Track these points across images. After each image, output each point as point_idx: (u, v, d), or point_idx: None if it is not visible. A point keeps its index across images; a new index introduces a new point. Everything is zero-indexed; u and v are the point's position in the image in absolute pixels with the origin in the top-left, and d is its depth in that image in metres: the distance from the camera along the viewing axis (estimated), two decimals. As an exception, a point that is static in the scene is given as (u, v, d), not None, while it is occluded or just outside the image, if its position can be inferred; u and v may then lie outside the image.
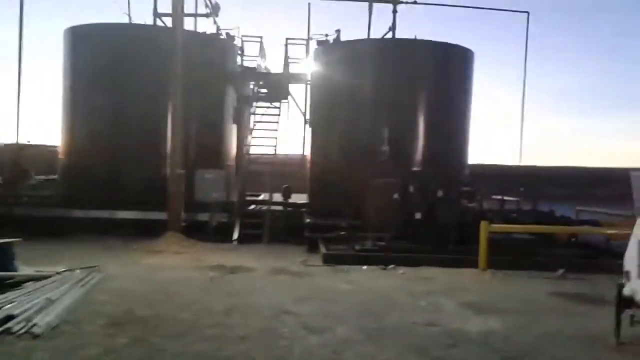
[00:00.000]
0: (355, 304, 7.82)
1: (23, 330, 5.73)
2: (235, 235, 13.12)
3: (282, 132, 17.68)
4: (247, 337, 6.08)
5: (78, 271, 8.90)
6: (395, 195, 12.04)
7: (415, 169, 13.69)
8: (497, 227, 11.05)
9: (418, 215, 11.99)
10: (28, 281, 7.82)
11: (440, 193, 12.17)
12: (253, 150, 16.51)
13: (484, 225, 10.76)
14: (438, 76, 15.26)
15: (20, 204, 14.38)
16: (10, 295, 6.98)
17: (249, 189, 16.60)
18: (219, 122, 16.22)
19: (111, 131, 14.87)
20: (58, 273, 8.50)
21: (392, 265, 10.71)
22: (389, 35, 16.43)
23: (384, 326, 6.82)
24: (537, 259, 11.35)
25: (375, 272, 10.38)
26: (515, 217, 13.22)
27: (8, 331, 5.68)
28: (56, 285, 7.68)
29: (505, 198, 16.11)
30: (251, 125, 17.25)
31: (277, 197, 15.02)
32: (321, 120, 15.93)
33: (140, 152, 14.54)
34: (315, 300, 7.91)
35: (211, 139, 15.56)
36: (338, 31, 16.24)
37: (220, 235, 13.13)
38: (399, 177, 12.27)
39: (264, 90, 17.42)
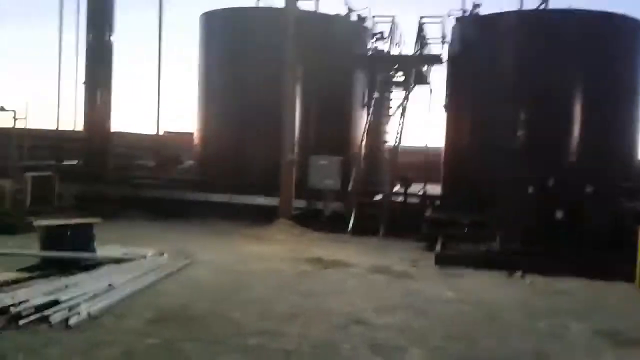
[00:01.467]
0: (448, 319, 6.41)
1: (59, 320, 5.35)
2: (350, 227, 12.13)
3: (419, 120, 16.50)
4: (293, 353, 5.08)
5: (165, 255, 8.63)
6: (530, 189, 10.10)
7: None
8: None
9: (559, 215, 9.94)
10: (109, 263, 7.66)
11: (589, 189, 9.98)
12: (388, 139, 15.46)
13: (643, 231, 8.53)
14: (598, 53, 12.68)
15: (152, 186, 14.88)
16: (77, 278, 6.77)
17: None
18: (345, 107, 15.37)
19: (238, 116, 14.81)
20: (144, 257, 8.27)
21: (519, 273, 8.95)
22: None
23: (472, 354, 5.38)
24: None
25: (497, 279, 8.71)
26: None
27: (45, 319, 5.33)
28: (130, 270, 7.39)
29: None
30: (387, 112, 16.22)
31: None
32: (458, 105, 14.27)
33: (265, 137, 14.19)
34: (401, 310, 6.63)
35: (335, 124, 14.77)
36: (477, 5, 14.33)
37: (333, 225, 12.26)
38: (536, 169, 10.31)
39: (400, 74, 16.21)
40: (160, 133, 18.72)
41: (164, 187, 14.71)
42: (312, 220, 12.34)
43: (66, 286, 6.31)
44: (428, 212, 11.87)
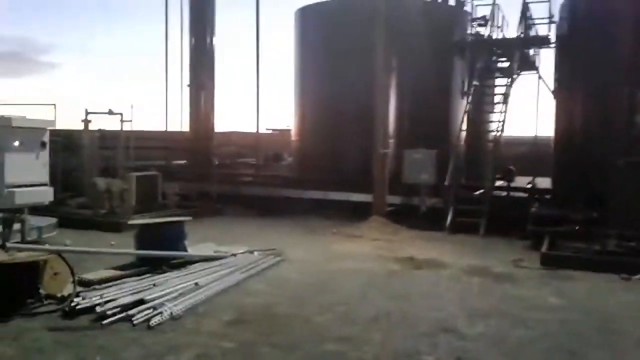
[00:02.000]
0: (552, 329, 5.75)
1: (141, 320, 5.43)
2: (447, 224, 11.53)
3: (528, 109, 15.42)
4: (371, 362, 4.78)
5: (256, 253, 8.63)
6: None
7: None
8: None
9: (687, 210, 8.75)
10: (200, 261, 7.77)
11: None
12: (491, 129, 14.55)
13: None
14: None
15: (252, 184, 15.15)
16: (166, 276, 6.90)
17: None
18: (443, 97, 14.73)
19: (334, 110, 14.68)
20: (234, 255, 8.32)
21: (638, 276, 7.96)
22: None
23: (577, 372, 4.77)
24: None
25: (612, 283, 7.80)
26: None
27: (129, 319, 5.44)
28: (219, 269, 7.43)
29: None
30: (490, 101, 15.29)
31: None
32: (569, 90, 13.10)
33: (361, 131, 13.88)
34: (497, 318, 6.07)
35: (433, 115, 14.15)
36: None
37: (430, 221, 11.72)
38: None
39: (503, 60, 15.21)
40: (262, 131, 19.05)
41: (264, 184, 14.92)
42: (407, 217, 11.87)
43: (154, 284, 6.43)
44: (535, 208, 10.96)
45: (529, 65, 15.47)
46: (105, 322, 5.29)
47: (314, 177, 14.06)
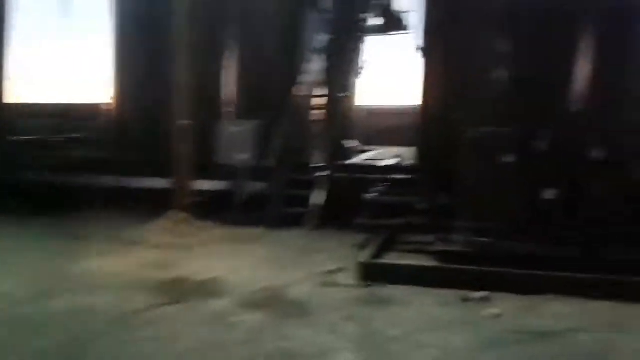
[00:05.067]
0: None
1: None
2: (267, 216, 8.89)
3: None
4: None
5: None
6: (509, 157, 6.74)
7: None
8: None
9: (549, 195, 6.60)
10: None
11: (597, 153, 6.59)
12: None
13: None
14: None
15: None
16: None
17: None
18: (288, 57, 11.92)
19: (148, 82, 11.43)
20: None
21: (481, 294, 5.69)
22: None
23: None
24: None
25: (449, 307, 5.48)
26: None
27: None
28: None
29: None
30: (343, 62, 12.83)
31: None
32: (434, 49, 10.68)
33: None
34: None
35: (279, 79, 11.32)
36: None
37: (249, 214, 9.00)
38: (518, 126, 6.88)
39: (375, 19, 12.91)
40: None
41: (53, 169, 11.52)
42: (220, 208, 9.11)
43: None
44: (374, 193, 8.54)
45: (396, 24, 13.26)
46: None
47: (122, 159, 10.89)
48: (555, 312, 5.36)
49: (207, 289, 5.88)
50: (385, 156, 13.94)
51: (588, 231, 6.52)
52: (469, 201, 6.85)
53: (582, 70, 8.06)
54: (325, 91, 11.02)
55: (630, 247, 6.32)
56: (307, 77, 10.85)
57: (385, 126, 15.66)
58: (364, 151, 14.10)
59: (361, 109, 14.82)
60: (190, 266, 6.72)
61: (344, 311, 5.30)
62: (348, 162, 10.97)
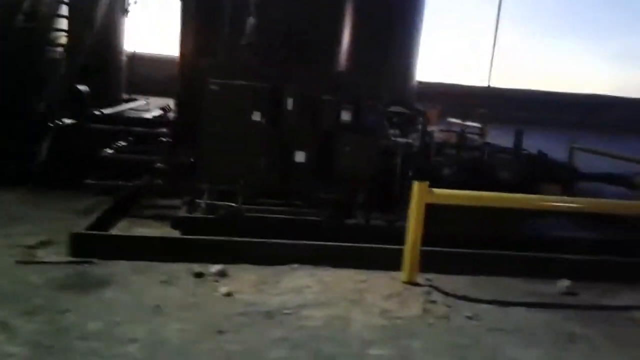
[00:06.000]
0: None
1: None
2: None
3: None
4: None
5: None
6: (257, 116, 6.10)
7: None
8: (444, 193, 5.30)
9: (300, 157, 6.17)
10: None
11: (346, 116, 6.31)
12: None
13: (418, 189, 5.10)
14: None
15: None
16: None
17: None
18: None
19: None
20: None
21: (217, 268, 5.01)
22: None
23: None
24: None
25: (175, 285, 4.68)
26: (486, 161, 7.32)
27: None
28: None
29: (467, 123, 11.85)
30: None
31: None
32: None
33: None
34: None
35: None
36: None
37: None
38: (267, 81, 6.25)
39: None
40: None
41: None
42: None
43: None
44: (111, 149, 7.28)
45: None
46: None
47: None
48: (296, 285, 4.93)
49: None
50: (151, 107, 12.65)
51: (336, 196, 6.29)
52: (211, 162, 6.08)
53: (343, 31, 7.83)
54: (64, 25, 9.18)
55: (377, 212, 6.25)
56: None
57: (163, 75, 14.31)
58: (128, 100, 12.62)
59: (129, 54, 13.22)
60: None
61: (34, 300, 4.15)
62: (96, 111, 9.42)
